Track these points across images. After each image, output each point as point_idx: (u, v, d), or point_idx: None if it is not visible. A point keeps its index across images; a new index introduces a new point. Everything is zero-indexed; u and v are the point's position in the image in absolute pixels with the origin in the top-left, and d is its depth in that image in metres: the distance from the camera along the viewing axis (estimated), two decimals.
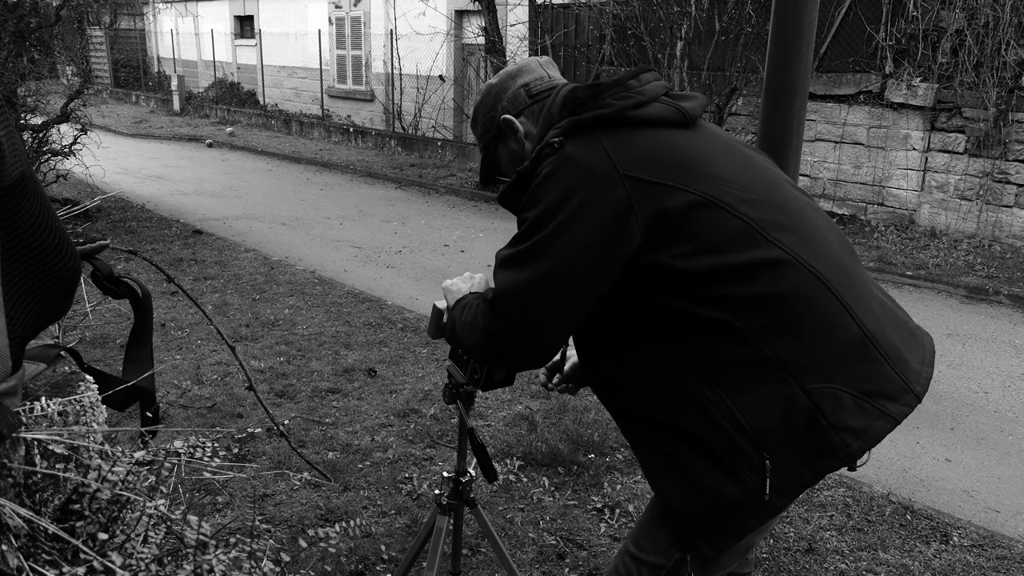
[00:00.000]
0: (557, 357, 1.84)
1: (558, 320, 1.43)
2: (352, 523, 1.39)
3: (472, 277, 1.76)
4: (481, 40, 12.38)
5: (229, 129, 17.06)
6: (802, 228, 1.47)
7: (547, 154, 1.43)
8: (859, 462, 1.43)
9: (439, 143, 14.01)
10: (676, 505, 1.44)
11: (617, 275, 1.39)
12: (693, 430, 1.40)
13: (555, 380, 1.87)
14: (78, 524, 0.98)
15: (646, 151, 1.42)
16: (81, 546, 0.94)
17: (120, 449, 1.04)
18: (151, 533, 1.03)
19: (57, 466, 0.98)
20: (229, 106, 19.73)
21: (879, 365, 1.42)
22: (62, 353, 1.22)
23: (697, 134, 1.51)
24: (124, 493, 1.00)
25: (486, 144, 1.68)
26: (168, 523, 1.04)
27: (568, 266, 1.38)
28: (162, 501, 1.05)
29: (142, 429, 1.27)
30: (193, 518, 1.06)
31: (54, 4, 7.95)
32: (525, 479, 3.37)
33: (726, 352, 1.38)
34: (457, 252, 7.84)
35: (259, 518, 2.98)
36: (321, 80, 17.66)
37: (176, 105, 20.79)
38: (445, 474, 2.06)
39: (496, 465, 3.42)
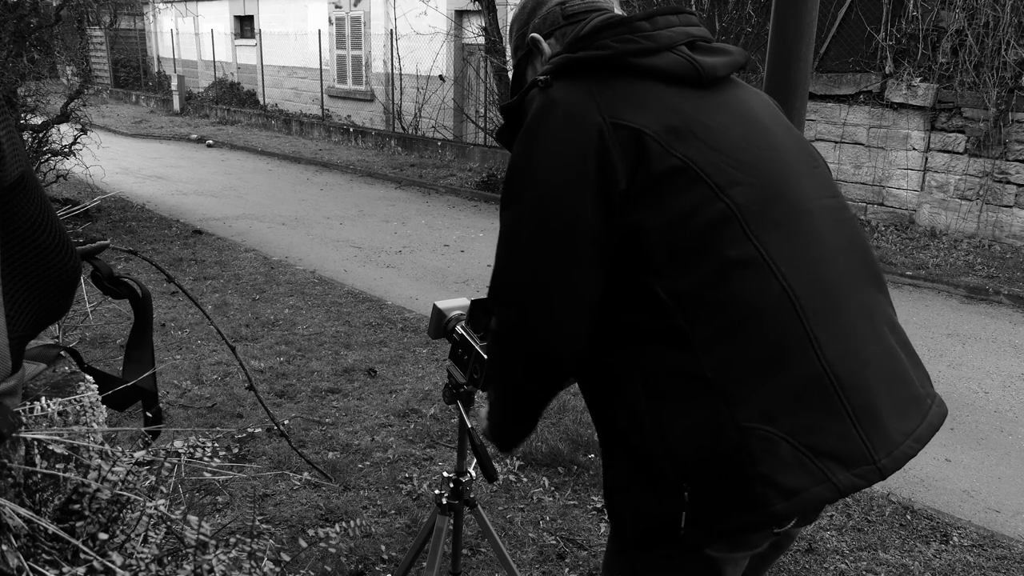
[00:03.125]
0: None
1: (562, 282, 1.22)
2: (352, 523, 1.39)
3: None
4: (481, 40, 12.38)
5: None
6: (799, 234, 1.24)
7: (533, 93, 1.29)
8: (782, 528, 1.20)
9: (439, 143, 14.01)
10: (612, 509, 1.32)
11: (608, 223, 1.21)
12: (628, 435, 1.25)
13: None
14: (78, 524, 0.98)
15: (639, 104, 1.23)
16: (81, 546, 0.94)
17: (120, 449, 1.04)
18: (151, 533, 1.03)
19: (57, 466, 0.98)
20: (229, 106, 19.74)
21: (837, 419, 1.17)
22: (62, 353, 1.22)
23: (712, 96, 1.30)
24: (124, 493, 1.00)
25: (517, 61, 1.51)
26: (168, 523, 1.04)
27: (556, 228, 1.21)
28: (162, 501, 1.05)
29: (144, 429, 1.28)
30: (193, 518, 1.06)
31: (54, 4, 7.95)
32: (525, 479, 3.37)
33: (670, 360, 1.19)
34: (457, 252, 7.83)
35: (259, 518, 2.98)
36: (321, 80, 17.66)
37: (176, 105, 20.79)
38: (445, 474, 2.06)
39: (496, 465, 3.42)
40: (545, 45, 1.45)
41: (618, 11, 1.49)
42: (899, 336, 1.33)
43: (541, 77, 1.28)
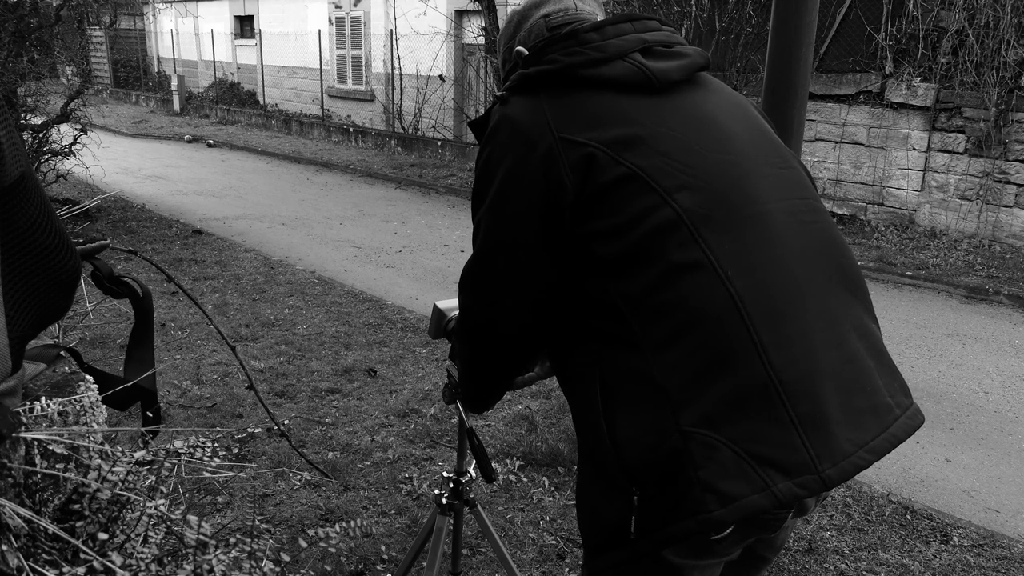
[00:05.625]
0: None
1: (513, 292, 1.30)
2: (352, 523, 1.39)
3: None
4: (481, 40, 12.39)
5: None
6: (752, 236, 1.23)
7: (495, 109, 1.34)
8: (719, 535, 1.18)
9: (439, 143, 14.02)
10: (577, 514, 1.33)
11: (562, 232, 1.26)
12: (587, 437, 1.27)
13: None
14: (78, 524, 0.98)
15: (590, 115, 1.26)
16: (81, 546, 0.94)
17: (120, 449, 1.04)
18: (151, 533, 1.03)
19: (57, 466, 0.98)
20: (229, 106, 19.74)
21: (781, 427, 1.15)
22: (62, 353, 1.22)
23: (666, 101, 1.30)
24: (124, 493, 1.00)
25: (506, 74, 1.53)
26: (168, 523, 1.04)
27: (506, 235, 1.29)
28: (162, 501, 1.05)
29: (143, 429, 1.27)
30: (193, 518, 1.06)
31: (54, 4, 7.95)
32: (525, 479, 3.37)
33: (623, 362, 1.21)
34: (457, 252, 7.83)
35: (259, 518, 2.98)
36: (321, 80, 17.66)
37: (176, 105, 20.79)
38: (445, 474, 2.06)
39: (496, 465, 3.43)
40: None
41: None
42: (870, 343, 1.29)
43: (499, 93, 1.34)
